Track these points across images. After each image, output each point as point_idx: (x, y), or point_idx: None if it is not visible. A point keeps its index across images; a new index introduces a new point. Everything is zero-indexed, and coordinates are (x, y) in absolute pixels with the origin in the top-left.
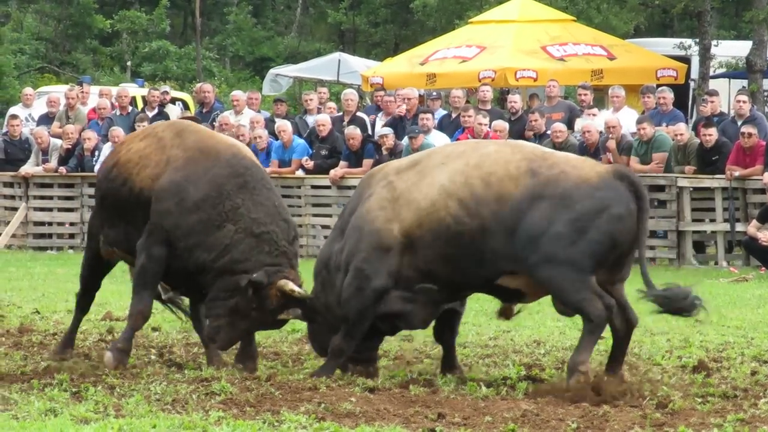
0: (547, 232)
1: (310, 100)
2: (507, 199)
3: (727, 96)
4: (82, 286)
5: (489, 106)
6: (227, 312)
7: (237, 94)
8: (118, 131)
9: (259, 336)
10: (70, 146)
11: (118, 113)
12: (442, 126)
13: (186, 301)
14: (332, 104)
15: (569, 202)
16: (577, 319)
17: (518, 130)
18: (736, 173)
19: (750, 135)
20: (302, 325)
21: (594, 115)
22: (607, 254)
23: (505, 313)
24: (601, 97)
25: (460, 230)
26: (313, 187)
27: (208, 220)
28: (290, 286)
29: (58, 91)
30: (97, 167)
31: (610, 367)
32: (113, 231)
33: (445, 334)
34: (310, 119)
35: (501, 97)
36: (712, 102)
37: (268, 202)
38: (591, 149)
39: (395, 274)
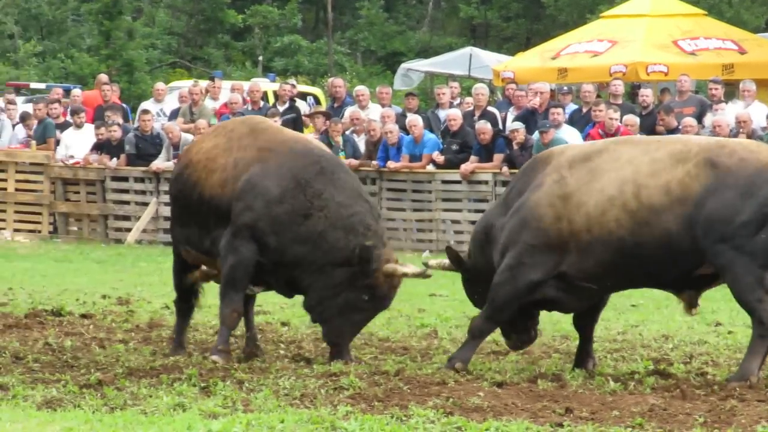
0: (732, 221)
1: (443, 94)
2: (690, 199)
3: None
4: (176, 293)
5: (620, 101)
6: (340, 310)
7: (361, 89)
8: None
9: (388, 331)
10: None
11: (249, 108)
12: (572, 121)
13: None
14: (469, 99)
15: (753, 189)
16: (710, 315)
17: (649, 124)
18: None
19: None
20: (430, 320)
21: (722, 110)
22: None
23: (693, 302)
24: (732, 92)
25: (638, 241)
26: (444, 182)
27: (294, 211)
28: (399, 270)
29: (188, 86)
30: None
31: None
32: (186, 230)
33: (586, 323)
34: (442, 114)
35: (632, 91)
36: None
37: (348, 185)
38: None
39: (554, 271)
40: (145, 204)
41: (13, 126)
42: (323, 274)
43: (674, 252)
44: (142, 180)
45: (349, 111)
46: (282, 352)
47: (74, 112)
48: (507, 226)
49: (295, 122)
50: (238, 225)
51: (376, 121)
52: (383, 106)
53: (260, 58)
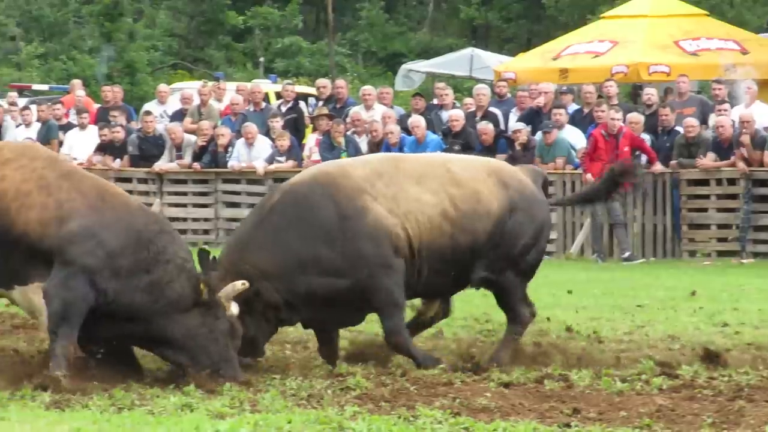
0: None
1: (446, 95)
2: None
3: None
4: None
5: (615, 101)
6: (211, 348)
7: (368, 88)
8: (251, 127)
9: None
10: (204, 143)
11: (251, 109)
12: (574, 121)
13: None
14: (469, 100)
15: None
16: (717, 316)
17: (653, 123)
18: None
19: None
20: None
21: (725, 110)
22: None
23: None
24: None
25: None
26: None
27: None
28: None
29: (192, 87)
30: (231, 163)
31: None
32: None
33: None
34: (444, 114)
35: (633, 92)
36: None
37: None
38: (725, 144)
39: None
40: (148, 205)
41: (16, 127)
42: (175, 322)
43: None
44: (145, 181)
45: (352, 112)
46: (288, 352)
47: (79, 112)
48: None
49: (297, 123)
50: (77, 266)
51: (377, 121)
52: (384, 106)
53: (261, 59)
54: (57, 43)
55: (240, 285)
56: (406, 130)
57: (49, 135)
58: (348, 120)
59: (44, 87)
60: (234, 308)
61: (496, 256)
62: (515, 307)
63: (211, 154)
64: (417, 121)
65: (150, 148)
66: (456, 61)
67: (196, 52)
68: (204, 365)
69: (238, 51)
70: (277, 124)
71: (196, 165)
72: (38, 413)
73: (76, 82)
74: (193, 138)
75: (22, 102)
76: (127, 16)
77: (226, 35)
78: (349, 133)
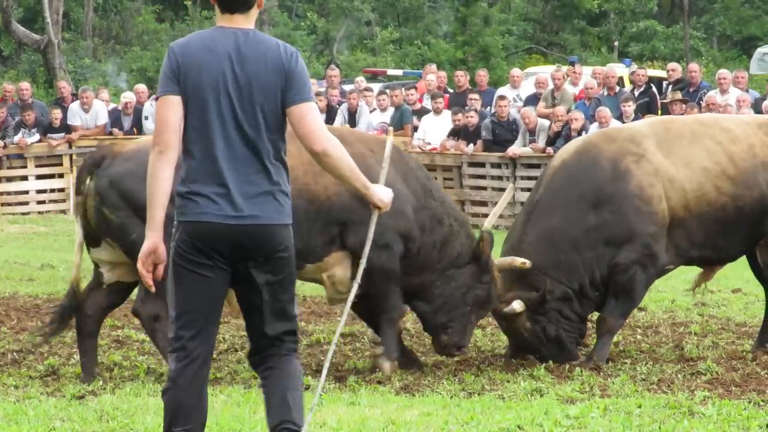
0: None
1: None
2: None
3: None
4: None
5: None
6: (464, 311)
7: (723, 72)
8: (604, 111)
9: (745, 316)
10: (558, 127)
11: (605, 93)
12: None
13: None
14: None
15: None
16: None
17: None
18: None
19: None
20: None
21: None
22: None
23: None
24: None
25: None
26: None
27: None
28: (517, 261)
29: (545, 71)
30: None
31: None
32: None
33: None
34: None
35: None
36: None
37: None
38: None
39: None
40: (502, 189)
41: (370, 112)
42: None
43: None
44: (498, 166)
45: (707, 96)
46: (639, 337)
47: (434, 97)
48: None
49: (649, 107)
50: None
51: (732, 105)
52: (739, 90)
53: (616, 43)
54: (412, 28)
55: (520, 262)
56: (760, 114)
57: (403, 119)
58: (703, 104)
59: (398, 72)
60: (518, 306)
61: None
62: None
63: (564, 139)
64: None
65: (503, 132)
66: None
67: (551, 36)
68: (439, 320)
69: (593, 35)
70: (629, 108)
71: (550, 150)
72: (388, 398)
73: (430, 67)
74: (546, 122)
75: (376, 87)
76: (482, 1)
77: (581, 19)
78: None
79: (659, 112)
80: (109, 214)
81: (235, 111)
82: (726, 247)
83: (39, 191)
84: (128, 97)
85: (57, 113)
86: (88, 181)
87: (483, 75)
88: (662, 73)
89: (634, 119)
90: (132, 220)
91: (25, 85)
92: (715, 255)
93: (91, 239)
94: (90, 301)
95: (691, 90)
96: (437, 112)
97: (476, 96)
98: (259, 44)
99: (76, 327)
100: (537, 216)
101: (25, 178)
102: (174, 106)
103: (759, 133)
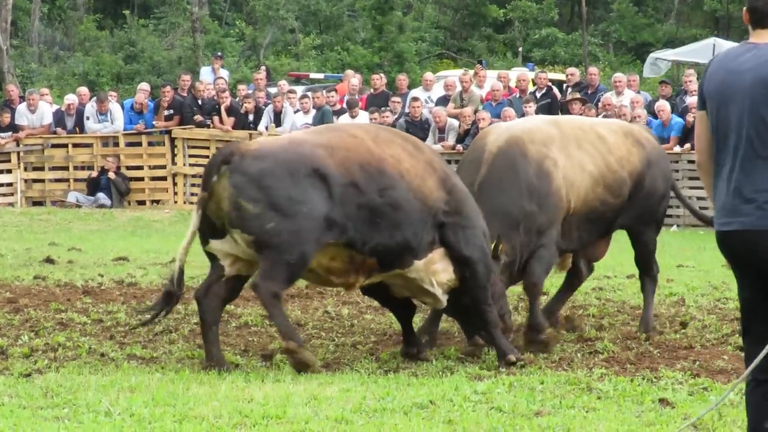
0: None
1: (689, 81)
2: None
3: None
4: None
5: None
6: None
7: (618, 76)
8: (509, 111)
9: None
10: (467, 126)
11: (517, 96)
12: None
13: None
14: None
15: None
16: None
17: None
18: None
19: None
20: (678, 289)
21: None
22: None
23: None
24: None
25: None
26: (689, 161)
27: None
28: None
29: (454, 75)
30: None
31: None
32: None
33: None
34: (688, 99)
35: None
36: None
37: None
38: None
39: None
40: None
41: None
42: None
43: None
44: None
45: (603, 98)
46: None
47: (350, 107)
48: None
49: (551, 108)
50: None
51: (626, 106)
52: (632, 92)
53: (520, 49)
54: (332, 35)
55: None
56: (653, 114)
57: (324, 119)
58: (599, 105)
59: (320, 76)
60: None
61: (636, 212)
62: (649, 260)
63: (472, 137)
64: (662, 105)
65: (416, 131)
66: (700, 50)
67: (460, 42)
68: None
69: (499, 41)
70: (530, 109)
71: (459, 147)
72: (310, 375)
73: (349, 72)
74: (456, 122)
75: (300, 90)
76: (397, 10)
77: (488, 27)
78: (600, 117)
79: (559, 112)
80: (246, 205)
81: None
82: (579, 240)
83: None
84: (71, 99)
85: (6, 114)
86: (216, 177)
87: (403, 79)
88: (562, 77)
89: None
90: (268, 212)
91: None
92: (573, 246)
93: (215, 231)
94: (211, 293)
95: (589, 92)
96: (353, 117)
97: (398, 99)
98: None
99: (199, 317)
100: (486, 194)
101: None
102: None
103: (626, 142)
